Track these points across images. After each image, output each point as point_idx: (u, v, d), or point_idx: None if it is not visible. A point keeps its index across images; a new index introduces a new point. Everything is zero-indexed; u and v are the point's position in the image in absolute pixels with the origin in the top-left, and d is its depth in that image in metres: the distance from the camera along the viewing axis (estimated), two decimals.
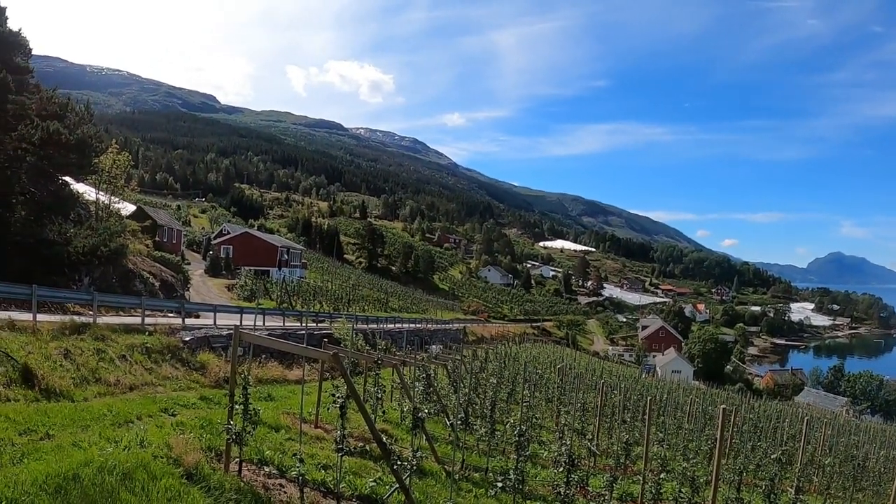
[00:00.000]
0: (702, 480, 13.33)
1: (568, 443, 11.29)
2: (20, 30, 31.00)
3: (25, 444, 10.60)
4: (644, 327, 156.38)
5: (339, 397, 10.02)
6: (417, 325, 59.02)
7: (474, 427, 16.71)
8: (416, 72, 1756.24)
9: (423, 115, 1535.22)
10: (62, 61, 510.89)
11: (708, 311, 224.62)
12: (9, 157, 29.04)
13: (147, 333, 22.25)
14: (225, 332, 26.26)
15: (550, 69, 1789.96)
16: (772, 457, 13.74)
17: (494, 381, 20.06)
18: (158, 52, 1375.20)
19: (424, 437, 13.19)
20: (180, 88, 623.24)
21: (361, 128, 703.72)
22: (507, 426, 16.04)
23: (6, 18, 30.35)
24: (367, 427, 13.33)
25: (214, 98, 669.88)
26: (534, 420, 16.76)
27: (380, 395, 17.47)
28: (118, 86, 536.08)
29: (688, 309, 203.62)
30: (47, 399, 14.32)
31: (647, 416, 14.76)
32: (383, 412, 17.65)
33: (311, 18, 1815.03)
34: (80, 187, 39.06)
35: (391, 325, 50.26)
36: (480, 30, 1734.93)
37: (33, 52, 32.75)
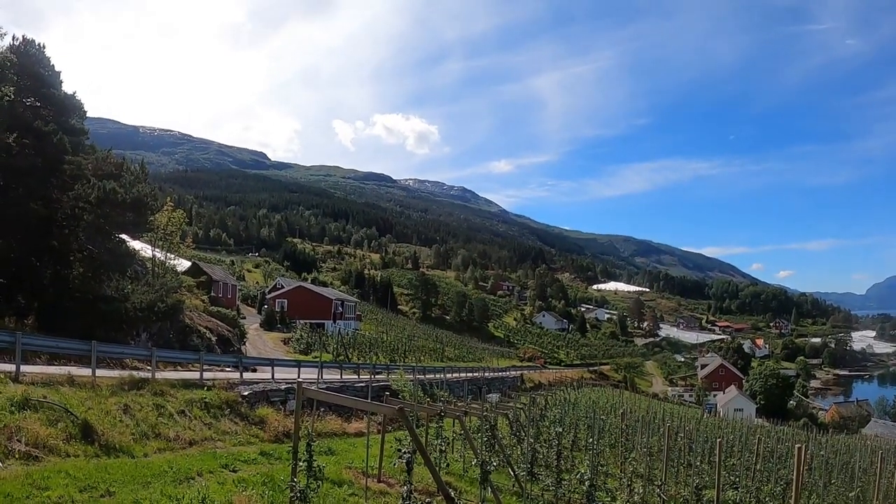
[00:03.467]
0: None
1: (641, 491, 10.77)
2: (74, 93, 32.42)
3: (86, 502, 10.54)
4: (703, 366, 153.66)
5: (405, 452, 9.91)
6: (474, 374, 58.41)
7: (539, 477, 16.33)
8: (459, 121, 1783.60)
9: (470, 163, 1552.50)
10: (116, 123, 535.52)
11: (767, 345, 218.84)
12: (67, 215, 30.02)
13: (206, 388, 22.34)
14: (283, 386, 26.24)
15: (592, 110, 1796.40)
16: (849, 494, 12.88)
17: (560, 430, 19.62)
18: (208, 112, 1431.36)
19: (490, 490, 12.76)
20: (231, 147, 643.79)
21: (410, 179, 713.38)
22: (574, 475, 15.64)
23: (61, 82, 31.77)
24: (431, 480, 12.92)
25: (264, 155, 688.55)
26: (599, 467, 16.18)
27: (443, 448, 17.15)
28: (170, 145, 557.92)
29: (746, 345, 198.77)
30: (107, 455, 14.31)
31: (714, 459, 14.06)
32: (447, 464, 17.27)
33: (351, 75, 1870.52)
34: (136, 244, 40.13)
35: (448, 375, 49.74)
36: (519, 76, 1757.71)
37: (87, 115, 34.16)
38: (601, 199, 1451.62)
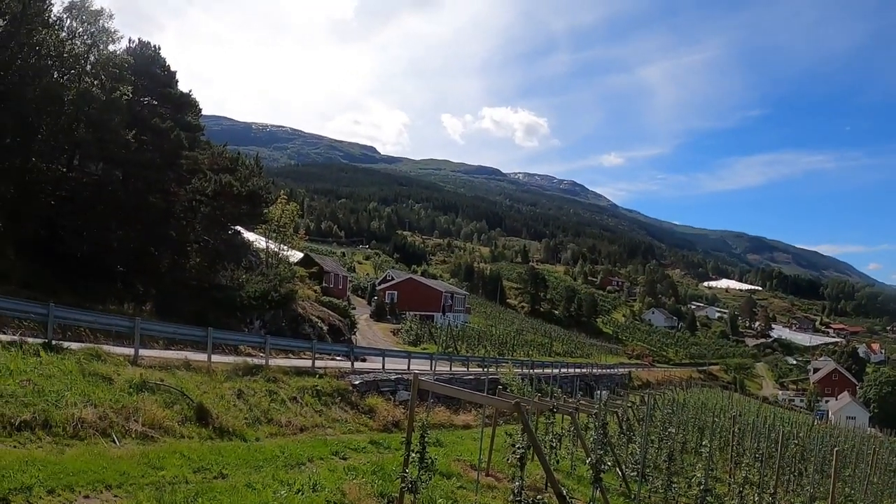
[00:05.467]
0: None
1: (754, 500, 10.08)
2: (190, 91, 33.99)
3: (200, 483, 10.76)
4: (815, 370, 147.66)
5: (518, 447, 9.82)
6: (582, 370, 57.40)
7: (648, 479, 15.95)
8: (568, 113, 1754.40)
9: (579, 156, 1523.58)
10: (229, 120, 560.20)
11: (884, 350, 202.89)
12: (184, 207, 31.43)
13: (317, 376, 22.76)
14: (393, 377, 26.46)
15: (703, 102, 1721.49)
16: None
17: (672, 431, 19.27)
18: (318, 107, 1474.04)
19: (599, 491, 12.33)
20: (341, 141, 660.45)
21: (519, 172, 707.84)
22: (683, 479, 15.80)
23: (176, 81, 33.32)
24: (539, 476, 12.47)
25: (374, 149, 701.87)
26: (710, 472, 15.40)
27: (553, 444, 17.04)
28: (282, 141, 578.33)
29: (861, 349, 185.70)
30: (220, 438, 14.74)
31: (827, 469, 12.93)
32: (557, 461, 17.10)
33: (459, 68, 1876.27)
34: (251, 236, 41.59)
35: (556, 370, 49.03)
36: (627, 67, 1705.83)
37: (202, 112, 35.67)
38: (712, 193, 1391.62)
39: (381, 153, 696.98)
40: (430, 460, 9.52)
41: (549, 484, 10.13)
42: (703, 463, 12.36)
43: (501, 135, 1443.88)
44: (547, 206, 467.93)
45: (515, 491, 9.31)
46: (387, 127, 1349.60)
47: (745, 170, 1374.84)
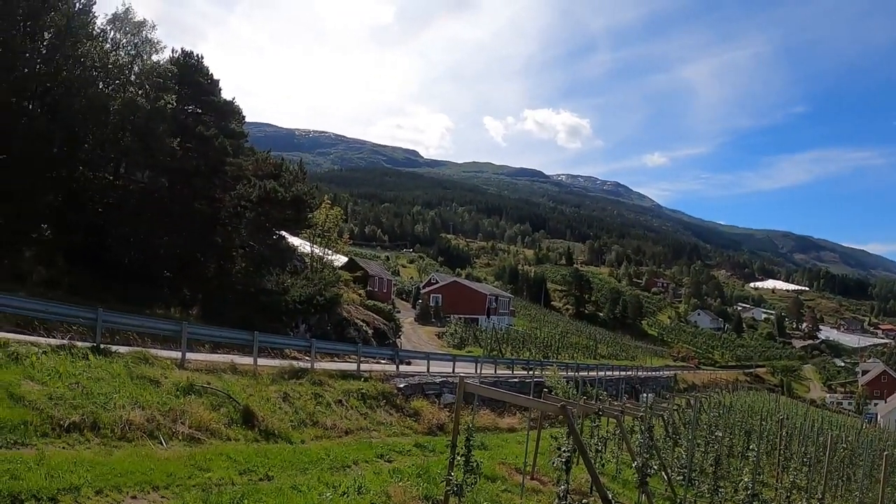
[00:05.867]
0: None
1: None
2: (233, 99, 34.58)
3: (245, 485, 10.83)
4: (864, 372, 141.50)
5: (564, 450, 9.82)
6: (627, 373, 56.88)
7: (694, 483, 15.69)
8: (610, 114, 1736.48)
9: (622, 156, 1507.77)
10: (272, 126, 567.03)
11: None
12: (229, 213, 31.89)
13: (363, 379, 22.80)
14: (438, 380, 26.47)
15: (746, 99, 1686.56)
16: None
17: (719, 434, 18.89)
18: (360, 113, 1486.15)
19: (645, 495, 12.13)
20: (384, 146, 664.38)
21: (562, 174, 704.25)
22: (730, 484, 15.51)
23: (219, 89, 33.85)
24: (584, 479, 12.26)
25: (416, 153, 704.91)
26: (757, 477, 15.02)
27: (599, 447, 16.93)
28: (325, 146, 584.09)
29: None
30: (266, 440, 14.87)
31: (877, 473, 12.46)
32: (602, 465, 16.91)
33: (499, 70, 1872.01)
34: (295, 241, 41.94)
35: (601, 373, 48.52)
36: (668, 66, 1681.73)
37: (245, 119, 36.15)
38: (758, 192, 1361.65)
39: (424, 157, 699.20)
40: (475, 463, 9.50)
41: (594, 488, 9.98)
42: (751, 467, 12.07)
43: (544, 136, 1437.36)
44: (590, 207, 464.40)
45: (561, 495, 9.25)
46: (429, 131, 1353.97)
47: (790, 167, 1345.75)
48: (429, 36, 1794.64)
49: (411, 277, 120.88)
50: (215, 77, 33.60)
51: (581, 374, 42.93)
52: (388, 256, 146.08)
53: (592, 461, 15.30)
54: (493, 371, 35.91)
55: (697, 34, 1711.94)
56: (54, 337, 17.00)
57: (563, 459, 9.49)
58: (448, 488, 9.34)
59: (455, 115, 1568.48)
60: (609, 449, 18.77)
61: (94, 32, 28.70)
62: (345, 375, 22.61)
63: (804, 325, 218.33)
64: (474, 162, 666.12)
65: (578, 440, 9.10)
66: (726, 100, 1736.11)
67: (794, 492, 13.77)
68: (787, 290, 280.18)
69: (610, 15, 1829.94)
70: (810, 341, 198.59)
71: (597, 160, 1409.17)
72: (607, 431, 19.06)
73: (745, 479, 12.75)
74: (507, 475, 14.21)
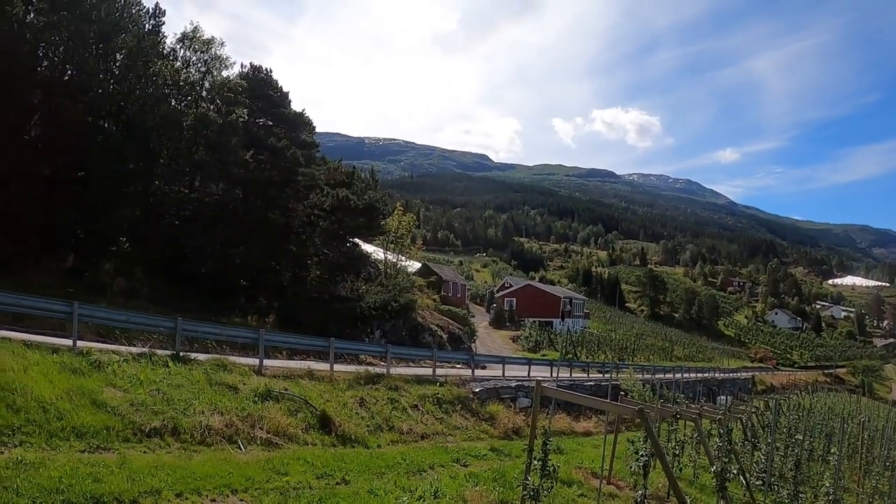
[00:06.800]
0: None
1: None
2: (303, 110, 35.37)
3: (323, 489, 10.91)
4: None
5: (642, 454, 9.84)
6: (704, 375, 55.34)
7: (773, 488, 15.23)
8: (679, 111, 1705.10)
9: (693, 154, 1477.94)
10: (342, 136, 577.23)
11: None
12: (303, 222, 32.49)
13: (438, 384, 22.83)
14: (514, 384, 26.21)
15: (816, 90, 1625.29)
16: None
17: (799, 438, 18.38)
18: (428, 119, 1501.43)
19: (724, 501, 11.69)
20: (453, 151, 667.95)
21: (634, 173, 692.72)
22: (810, 489, 15.09)
23: (289, 102, 34.63)
24: (661, 484, 11.87)
25: (486, 157, 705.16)
26: (838, 482, 14.31)
27: (677, 451, 16.59)
28: (395, 153, 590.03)
29: None
30: (342, 445, 14.98)
31: None
32: (679, 469, 16.43)
33: (565, 72, 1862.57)
34: (368, 248, 42.43)
35: (677, 375, 47.33)
36: (735, 59, 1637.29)
37: (316, 130, 36.82)
38: (833, 185, 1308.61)
39: (494, 161, 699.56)
40: (552, 468, 9.35)
41: (671, 492, 9.66)
42: (831, 472, 11.51)
43: (613, 136, 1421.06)
44: (663, 206, 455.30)
45: (638, 499, 9.09)
46: (498, 135, 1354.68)
47: (865, 159, 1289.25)
48: (493, 40, 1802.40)
49: (485, 281, 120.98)
50: (284, 90, 34.44)
51: (657, 376, 42.08)
52: (461, 261, 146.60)
53: (670, 465, 14.94)
54: (568, 374, 35.49)
55: (761, 26, 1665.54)
56: (135, 346, 17.57)
57: (641, 463, 9.21)
58: (525, 493, 9.17)
59: (523, 118, 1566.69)
60: (686, 453, 18.28)
61: (165, 51, 29.80)
62: (420, 380, 22.65)
63: (885, 322, 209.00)
64: (545, 164, 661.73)
65: (657, 444, 8.89)
66: (795, 92, 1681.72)
67: (875, 497, 13.07)
68: (867, 287, 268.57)
69: (673, 11, 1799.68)
70: (892, 340, 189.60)
71: (668, 158, 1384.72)
72: (684, 435, 18.59)
73: (826, 485, 12.14)
74: (584, 479, 13.94)
